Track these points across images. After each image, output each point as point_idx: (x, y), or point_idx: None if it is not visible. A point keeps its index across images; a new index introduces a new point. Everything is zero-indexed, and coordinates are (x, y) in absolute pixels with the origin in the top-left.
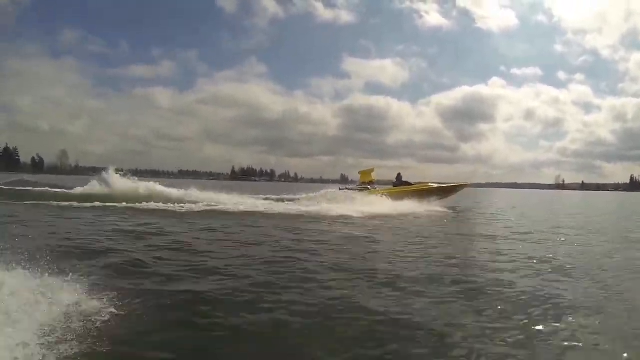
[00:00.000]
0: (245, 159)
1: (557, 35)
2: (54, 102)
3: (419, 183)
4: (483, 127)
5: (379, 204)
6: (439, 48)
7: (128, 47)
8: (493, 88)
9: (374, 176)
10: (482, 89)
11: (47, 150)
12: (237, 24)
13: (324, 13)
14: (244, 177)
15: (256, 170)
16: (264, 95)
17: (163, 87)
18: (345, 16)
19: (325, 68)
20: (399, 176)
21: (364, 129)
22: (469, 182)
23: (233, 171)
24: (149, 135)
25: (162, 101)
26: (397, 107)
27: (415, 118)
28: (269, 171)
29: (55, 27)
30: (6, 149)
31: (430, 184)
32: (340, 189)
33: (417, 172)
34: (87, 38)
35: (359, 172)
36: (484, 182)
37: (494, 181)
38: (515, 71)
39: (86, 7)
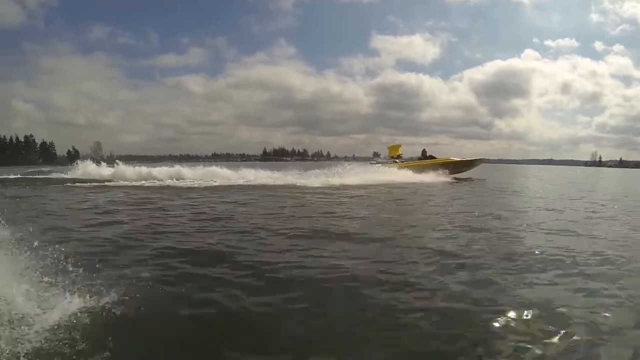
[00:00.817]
0: (279, 140)
1: (592, 3)
2: (88, 96)
3: (446, 157)
4: (517, 102)
5: (397, 175)
6: (469, 22)
7: (156, 37)
8: (527, 61)
9: (401, 151)
10: (515, 63)
11: (85, 142)
12: (261, 7)
13: None
14: (274, 157)
15: (288, 150)
16: (295, 76)
17: (194, 74)
18: None
19: (355, 46)
20: (424, 151)
21: (396, 107)
22: (485, 158)
23: (264, 152)
24: (183, 122)
25: (194, 88)
26: (429, 84)
27: (448, 94)
28: (301, 151)
29: (83, 24)
30: (42, 144)
31: (452, 158)
32: (370, 163)
33: (452, 149)
34: (115, 32)
35: (387, 147)
36: (518, 158)
37: (530, 157)
38: (549, 43)
39: (111, 3)
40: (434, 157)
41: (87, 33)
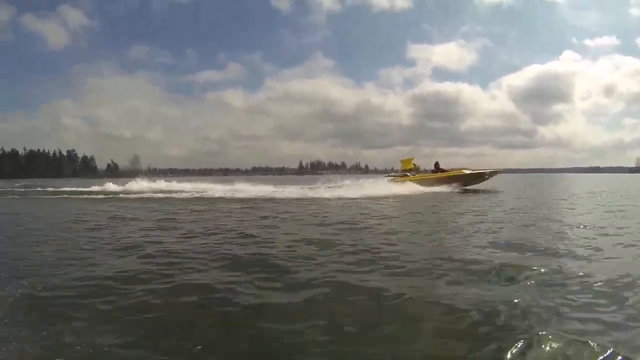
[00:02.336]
0: (321, 153)
1: None
2: (133, 112)
3: (460, 169)
4: (559, 107)
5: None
6: (504, 25)
7: (194, 55)
8: (566, 63)
9: (413, 164)
10: (554, 66)
11: (131, 155)
12: (294, 22)
13: (379, 1)
14: (309, 170)
15: (324, 163)
16: (334, 89)
17: (233, 88)
18: (401, 2)
19: (391, 57)
20: (436, 164)
21: (436, 117)
22: (501, 169)
23: (300, 166)
24: (224, 135)
25: (234, 102)
26: (467, 92)
27: (487, 102)
28: (339, 164)
29: (123, 45)
30: (83, 158)
31: (464, 171)
32: (385, 177)
33: (495, 159)
34: (155, 51)
35: (400, 161)
36: (563, 167)
37: (575, 165)
38: (588, 42)
39: (150, 24)
40: (444, 170)
41: (127, 53)
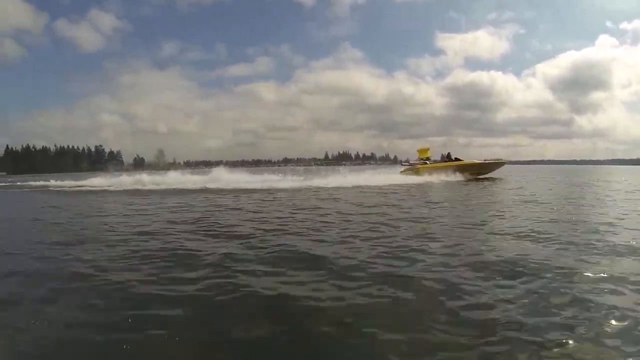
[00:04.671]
0: (358, 144)
1: None
2: (167, 107)
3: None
4: (598, 95)
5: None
6: (535, 10)
7: (224, 49)
8: (603, 49)
9: (429, 153)
10: (590, 52)
11: (166, 148)
12: (318, 14)
13: None
14: (331, 161)
15: (351, 154)
16: (365, 79)
17: (264, 81)
18: None
19: (420, 46)
20: (448, 154)
21: (471, 107)
22: (506, 160)
23: (326, 156)
24: (259, 127)
25: (266, 95)
26: (501, 81)
27: (523, 91)
28: (368, 155)
29: (155, 42)
30: (110, 153)
31: (476, 161)
32: (402, 164)
33: (532, 150)
34: (185, 47)
35: (417, 150)
36: (603, 158)
37: (616, 157)
38: (625, 26)
39: (177, 21)
40: (457, 159)
41: (159, 50)
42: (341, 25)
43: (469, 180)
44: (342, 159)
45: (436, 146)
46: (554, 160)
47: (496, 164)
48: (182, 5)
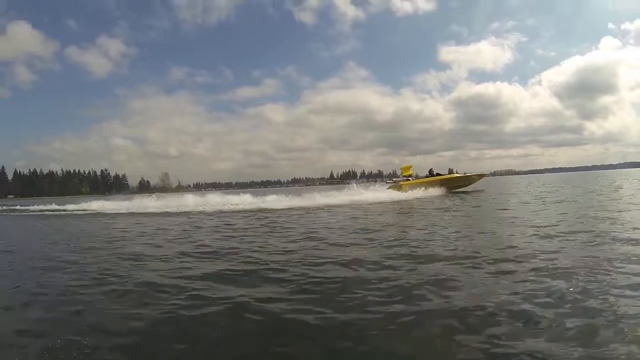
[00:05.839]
0: (368, 162)
1: None
2: (177, 130)
3: (457, 174)
4: (606, 100)
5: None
6: (536, 18)
7: (230, 73)
8: (606, 51)
9: (412, 171)
10: (595, 56)
11: (176, 172)
12: (321, 34)
13: (402, 6)
14: (338, 180)
15: (357, 172)
16: (372, 97)
17: (272, 103)
18: (424, 5)
19: (424, 62)
20: (431, 170)
21: (479, 120)
22: (486, 173)
23: (331, 175)
24: (269, 149)
25: (274, 116)
26: (507, 92)
27: (529, 100)
28: (375, 172)
29: (162, 68)
30: (116, 176)
31: (456, 175)
32: (387, 182)
33: (544, 159)
34: (193, 72)
35: (401, 168)
36: (616, 162)
37: (628, 160)
38: (627, 26)
39: (184, 45)
40: (438, 174)
41: (167, 75)
42: (344, 43)
43: (450, 193)
44: (348, 178)
45: (446, 160)
46: (565, 168)
47: (476, 177)
48: (187, 28)
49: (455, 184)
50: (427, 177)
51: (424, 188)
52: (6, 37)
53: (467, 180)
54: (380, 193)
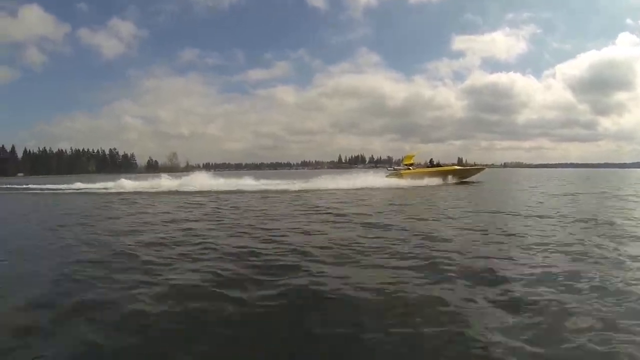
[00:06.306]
0: (378, 147)
1: None
2: (188, 111)
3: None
4: (621, 96)
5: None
6: (552, 10)
7: (241, 55)
8: (624, 47)
9: (414, 160)
10: (611, 51)
11: (187, 152)
12: (333, 19)
13: None
14: (347, 164)
15: (365, 157)
16: (383, 83)
17: (284, 85)
18: None
19: (437, 49)
20: (431, 160)
21: (491, 109)
22: (485, 166)
23: (339, 160)
24: (280, 131)
25: (286, 98)
26: (521, 83)
27: (543, 93)
28: (384, 158)
29: (173, 49)
30: (125, 156)
31: (457, 167)
32: (387, 169)
33: (555, 153)
34: (204, 54)
35: (402, 157)
36: (630, 161)
37: None
38: None
39: (195, 28)
40: (438, 165)
41: (178, 56)
42: (356, 28)
43: (450, 183)
44: (356, 162)
45: (456, 149)
46: (577, 164)
47: (475, 170)
48: (198, 11)
49: (455, 175)
50: (427, 166)
51: (425, 177)
52: (17, 20)
53: (467, 172)
54: (374, 179)
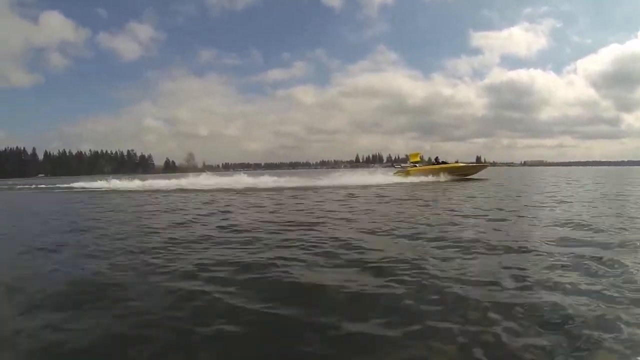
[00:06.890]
0: (399, 146)
1: None
2: (208, 111)
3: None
4: None
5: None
6: (572, 3)
7: (259, 55)
8: None
9: (419, 157)
10: (635, 45)
11: (208, 153)
12: (349, 18)
13: None
14: (363, 164)
15: (383, 156)
16: (402, 81)
17: (303, 85)
18: None
19: (455, 47)
20: (437, 158)
21: (511, 107)
22: (488, 164)
23: (357, 159)
24: (300, 130)
25: (305, 98)
26: (541, 79)
27: (564, 89)
28: (402, 157)
29: (191, 51)
30: (142, 156)
31: (460, 164)
32: (395, 166)
33: (578, 151)
34: (222, 54)
35: (408, 155)
36: None
37: None
38: None
39: (212, 29)
40: (444, 162)
41: (196, 58)
42: (372, 27)
43: (453, 180)
44: (374, 161)
45: (478, 147)
46: (601, 162)
47: (479, 167)
48: (214, 12)
49: (458, 172)
50: (433, 164)
51: (429, 175)
52: (39, 27)
53: (471, 169)
54: (378, 177)
